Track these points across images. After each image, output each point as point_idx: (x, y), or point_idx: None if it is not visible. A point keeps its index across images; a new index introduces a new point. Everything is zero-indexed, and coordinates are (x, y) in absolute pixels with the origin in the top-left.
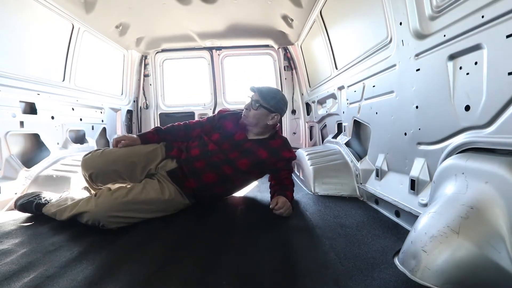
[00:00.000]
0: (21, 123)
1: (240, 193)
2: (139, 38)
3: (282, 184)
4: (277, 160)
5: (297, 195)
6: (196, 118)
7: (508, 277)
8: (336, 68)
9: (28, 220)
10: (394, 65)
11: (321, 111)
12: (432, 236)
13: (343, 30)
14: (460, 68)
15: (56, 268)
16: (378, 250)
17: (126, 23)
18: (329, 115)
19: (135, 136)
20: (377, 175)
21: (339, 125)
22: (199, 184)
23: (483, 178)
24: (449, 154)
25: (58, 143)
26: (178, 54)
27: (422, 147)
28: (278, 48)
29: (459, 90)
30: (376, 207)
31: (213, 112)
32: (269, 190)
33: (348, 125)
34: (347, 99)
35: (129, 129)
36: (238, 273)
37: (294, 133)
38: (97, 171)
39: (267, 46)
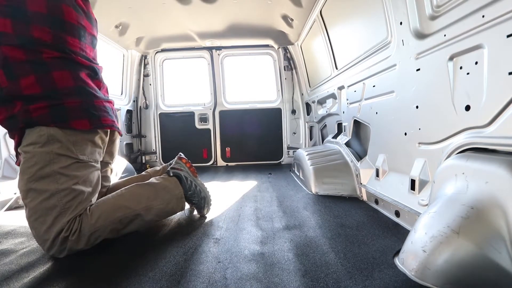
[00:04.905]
0: None
1: (239, 193)
2: (139, 38)
3: None
4: None
5: (297, 195)
6: (196, 119)
7: (508, 277)
8: (336, 68)
9: None
10: (394, 65)
11: (321, 111)
12: (432, 236)
13: (343, 30)
14: (461, 68)
15: (56, 268)
16: (378, 250)
17: (126, 22)
18: (329, 115)
19: None
20: (377, 175)
21: (339, 125)
22: None
23: (484, 178)
24: (449, 154)
25: None
26: (178, 54)
27: (422, 147)
28: (278, 48)
29: (459, 90)
30: (376, 207)
31: (213, 113)
32: None
33: (348, 125)
34: (347, 99)
35: (128, 129)
36: (238, 272)
37: (294, 133)
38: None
39: (267, 46)
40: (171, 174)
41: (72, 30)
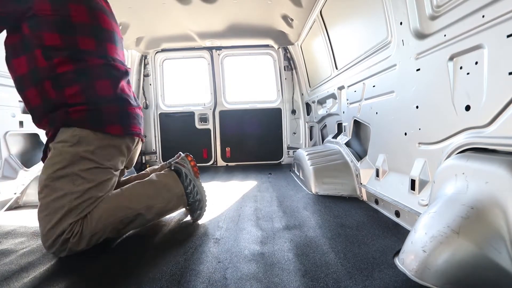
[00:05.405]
0: (21, 123)
1: (239, 193)
2: (139, 38)
3: None
4: None
5: (297, 195)
6: (196, 119)
7: (508, 277)
8: (336, 68)
9: (28, 220)
10: (394, 65)
11: (321, 111)
12: (432, 236)
13: (343, 30)
14: (461, 68)
15: (56, 268)
16: (378, 250)
17: (126, 22)
18: (329, 115)
19: None
20: (377, 175)
21: (339, 125)
22: None
23: (484, 178)
24: (449, 154)
25: None
26: (178, 54)
27: (422, 147)
28: (278, 48)
29: (460, 90)
30: (376, 207)
31: (213, 113)
32: None
33: (348, 125)
34: (347, 99)
35: None
36: (238, 272)
37: (294, 133)
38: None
39: (267, 46)
40: (172, 168)
41: (110, 37)
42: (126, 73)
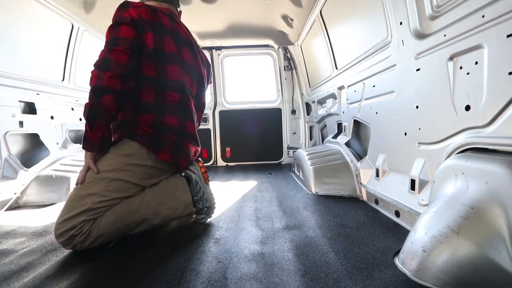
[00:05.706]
0: (21, 123)
1: (239, 193)
2: None
3: None
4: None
5: (297, 195)
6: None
7: (508, 277)
8: (336, 68)
9: (28, 220)
10: (394, 65)
11: (321, 111)
12: (432, 236)
13: (343, 30)
14: (461, 68)
15: (56, 268)
16: (378, 250)
17: None
18: (329, 115)
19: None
20: (377, 175)
21: (339, 125)
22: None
23: (484, 178)
24: (449, 154)
25: (57, 143)
26: None
27: (422, 147)
28: (278, 48)
29: (460, 90)
30: (376, 207)
31: (213, 113)
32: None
33: (348, 125)
34: (347, 99)
35: None
36: (238, 272)
37: (294, 133)
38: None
39: (267, 46)
40: (183, 174)
41: (189, 70)
42: (194, 113)
